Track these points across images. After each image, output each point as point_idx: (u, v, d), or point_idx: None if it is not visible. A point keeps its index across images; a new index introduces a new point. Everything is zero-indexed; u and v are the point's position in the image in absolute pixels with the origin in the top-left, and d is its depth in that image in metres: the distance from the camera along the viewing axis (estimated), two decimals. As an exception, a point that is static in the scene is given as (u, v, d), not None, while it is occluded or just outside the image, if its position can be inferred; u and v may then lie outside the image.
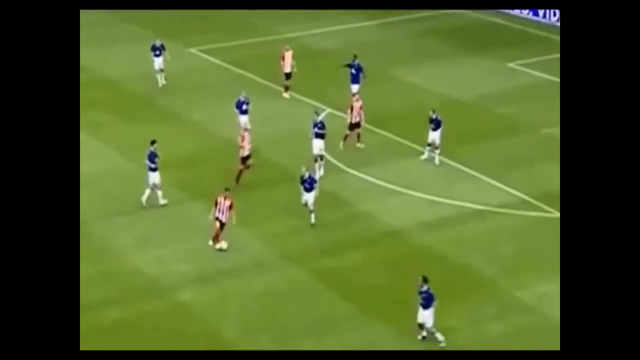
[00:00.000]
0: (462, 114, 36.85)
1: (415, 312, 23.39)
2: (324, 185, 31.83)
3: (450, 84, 40.04)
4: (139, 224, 28.90)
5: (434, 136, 32.62)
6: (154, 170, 30.03)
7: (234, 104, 34.95)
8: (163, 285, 26.05)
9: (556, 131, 33.10)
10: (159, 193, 30.21)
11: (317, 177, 30.63)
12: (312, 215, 29.03)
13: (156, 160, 30.07)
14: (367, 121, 37.07)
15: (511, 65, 43.33)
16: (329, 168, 33.19)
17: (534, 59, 43.61)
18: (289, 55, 39.16)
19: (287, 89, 39.28)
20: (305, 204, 29.19)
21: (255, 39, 47.61)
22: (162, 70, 40.15)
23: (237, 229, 29.07)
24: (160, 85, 40.31)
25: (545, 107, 38.14)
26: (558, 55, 44.27)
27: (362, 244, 28.23)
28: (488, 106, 38.32)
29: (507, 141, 34.77)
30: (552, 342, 23.55)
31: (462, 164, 33.10)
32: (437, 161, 32.72)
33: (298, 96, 39.57)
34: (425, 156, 33.02)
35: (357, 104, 34.15)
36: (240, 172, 31.36)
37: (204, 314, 24.76)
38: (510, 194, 31.18)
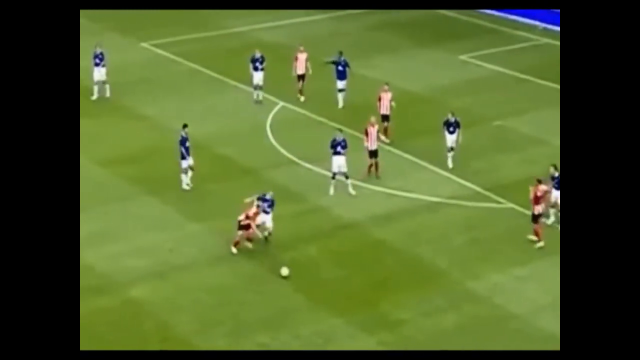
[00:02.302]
0: (415, 106, 37.07)
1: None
2: (278, 179, 31.92)
3: (403, 77, 40.24)
4: (91, 220, 28.73)
5: (452, 139, 32.02)
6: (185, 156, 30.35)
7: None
8: (116, 281, 25.93)
9: (507, 122, 33.54)
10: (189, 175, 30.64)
11: (331, 192, 30.58)
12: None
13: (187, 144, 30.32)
14: (320, 114, 37.24)
15: (463, 57, 43.65)
16: (283, 161, 33.25)
17: (485, 52, 43.97)
18: (302, 57, 37.56)
19: (301, 92, 37.86)
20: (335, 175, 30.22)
21: (207, 32, 47.48)
22: (105, 83, 38.04)
23: (191, 223, 29.06)
24: (96, 97, 38.18)
25: (497, 99, 38.53)
26: (508, 48, 44.81)
27: (316, 237, 28.31)
28: (440, 98, 38.57)
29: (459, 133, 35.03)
30: (504, 332, 23.88)
31: (415, 156, 33.31)
32: (450, 164, 32.08)
33: (250, 89, 39.51)
34: (450, 163, 32.16)
35: (386, 95, 33.82)
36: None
37: (157, 309, 24.69)
38: (462, 185, 31.45)
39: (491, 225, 28.79)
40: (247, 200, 27.23)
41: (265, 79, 37.83)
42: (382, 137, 33.70)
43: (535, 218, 27.85)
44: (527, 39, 45.94)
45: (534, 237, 27.84)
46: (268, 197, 27.65)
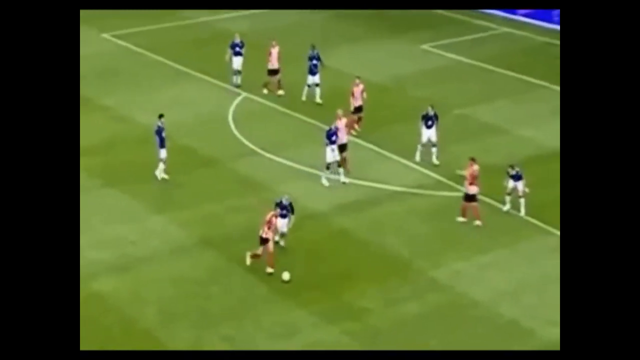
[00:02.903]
0: (378, 96, 36.98)
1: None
2: (240, 169, 31.75)
3: (365, 67, 40.15)
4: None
5: (429, 134, 31.60)
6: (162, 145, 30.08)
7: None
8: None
9: (469, 111, 33.55)
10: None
11: (325, 183, 30.41)
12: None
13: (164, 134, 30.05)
14: (282, 105, 37.12)
15: (424, 47, 43.66)
16: (246, 152, 33.07)
17: (445, 41, 44.01)
18: (275, 51, 36.97)
19: (268, 85, 37.39)
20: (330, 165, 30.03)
21: (169, 23, 47.10)
22: None
23: (154, 215, 28.80)
24: None
25: (458, 88, 38.58)
26: (468, 37, 44.89)
27: (279, 227, 28.17)
28: (402, 88, 38.56)
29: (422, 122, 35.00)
30: (466, 319, 23.92)
31: (378, 146, 33.26)
32: (435, 160, 31.60)
33: (213, 80, 39.26)
34: (418, 157, 31.90)
35: (358, 89, 33.55)
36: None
37: (120, 303, 24.44)
38: (425, 174, 31.45)
39: (454, 214, 28.79)
40: (268, 217, 25.80)
41: (224, 69, 37.61)
42: (356, 127, 33.51)
43: (470, 198, 27.94)
44: (487, 29, 46.04)
45: (462, 219, 28.21)
46: (285, 202, 26.77)
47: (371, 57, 42.24)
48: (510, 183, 28.62)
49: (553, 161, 32.02)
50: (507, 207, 28.74)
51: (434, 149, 31.77)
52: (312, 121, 35.28)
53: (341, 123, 31.20)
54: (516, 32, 45.17)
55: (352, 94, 33.83)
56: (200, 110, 36.69)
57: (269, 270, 25.39)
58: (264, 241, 25.46)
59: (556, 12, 44.41)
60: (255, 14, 47.76)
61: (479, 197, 28.39)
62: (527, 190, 28.47)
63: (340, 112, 31.38)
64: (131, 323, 23.59)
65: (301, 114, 35.97)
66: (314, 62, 36.29)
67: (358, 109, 33.94)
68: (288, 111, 36.29)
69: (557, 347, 22.64)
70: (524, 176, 28.57)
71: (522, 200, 28.60)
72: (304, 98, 36.82)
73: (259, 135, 34.11)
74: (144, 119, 34.55)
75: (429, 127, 31.72)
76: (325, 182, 30.61)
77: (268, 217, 25.65)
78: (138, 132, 33.80)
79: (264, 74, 37.26)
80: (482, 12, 47.43)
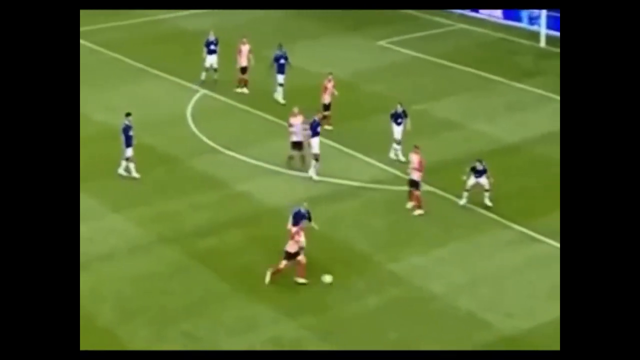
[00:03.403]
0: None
1: None
2: (200, 167, 31.50)
3: (324, 63, 39.98)
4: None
5: (399, 130, 31.47)
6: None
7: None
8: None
9: (425, 107, 33.53)
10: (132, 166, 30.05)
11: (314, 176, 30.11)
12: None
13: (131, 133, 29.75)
14: (242, 102, 36.91)
15: (381, 43, 43.63)
16: (205, 149, 32.83)
17: (402, 37, 44.01)
18: (245, 49, 36.62)
19: (242, 83, 37.01)
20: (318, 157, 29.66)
21: (128, 21, 46.65)
22: None
23: (113, 213, 28.48)
24: None
25: (415, 84, 38.58)
26: (425, 33, 44.91)
27: (239, 223, 27.99)
28: (360, 84, 38.49)
29: (379, 118, 34.95)
30: (424, 313, 23.90)
31: (336, 142, 33.15)
32: (401, 157, 31.30)
33: (171, 77, 38.95)
34: (393, 155, 31.68)
35: (330, 85, 33.46)
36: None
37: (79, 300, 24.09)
38: (382, 169, 31.40)
39: (412, 209, 28.74)
40: (294, 231, 25.13)
41: (183, 67, 37.33)
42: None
43: (414, 184, 28.05)
44: (443, 25, 46.10)
45: (412, 204, 28.33)
46: (303, 210, 26.09)
47: (329, 54, 42.13)
48: (472, 179, 28.50)
49: (508, 155, 32.18)
50: (463, 202, 28.75)
51: (399, 146, 31.69)
52: (272, 118, 35.11)
53: (296, 120, 31.03)
54: (471, 28, 45.29)
55: (325, 90, 33.70)
56: (158, 107, 36.36)
57: (301, 280, 24.88)
58: (291, 256, 24.73)
59: (527, 13, 44.51)
60: (216, 12, 47.43)
61: (431, 189, 28.35)
62: (492, 180, 28.32)
63: (296, 109, 31.24)
64: (90, 320, 23.27)
65: (260, 110, 35.77)
66: (282, 61, 36.05)
67: (328, 107, 33.82)
68: (247, 108, 36.09)
69: (514, 339, 22.83)
70: (488, 170, 28.46)
71: (488, 194, 28.50)
72: (281, 100, 36.27)
73: (217, 133, 33.87)
74: (100, 117, 34.17)
75: (398, 124, 31.64)
76: (315, 176, 30.34)
77: (295, 231, 24.98)
78: (94, 131, 33.38)
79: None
80: (439, 9, 47.46)
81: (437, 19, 46.77)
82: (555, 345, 22.33)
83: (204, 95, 37.39)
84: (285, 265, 24.77)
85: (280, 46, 36.55)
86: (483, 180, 28.50)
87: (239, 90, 37.07)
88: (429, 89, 38.03)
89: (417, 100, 36.47)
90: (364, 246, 26.77)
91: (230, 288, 24.76)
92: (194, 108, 36.32)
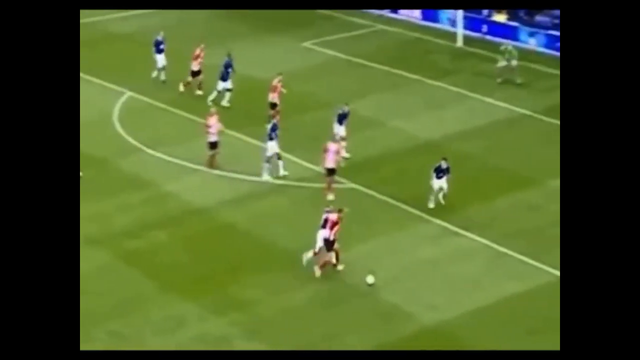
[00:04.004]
0: (261, 92, 36.78)
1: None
2: (126, 168, 31.18)
3: (249, 64, 39.87)
4: None
5: (342, 129, 31.52)
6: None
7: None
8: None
9: (348, 105, 33.50)
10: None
11: (282, 173, 30.08)
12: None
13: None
14: (164, 101, 36.67)
15: (306, 44, 43.64)
16: (131, 149, 32.50)
17: (326, 38, 44.09)
18: (199, 52, 36.81)
19: (192, 85, 37.06)
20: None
21: (52, 24, 45.82)
22: None
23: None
24: None
25: (338, 83, 38.68)
26: (348, 34, 45.07)
27: (165, 223, 27.76)
28: (286, 84, 38.41)
29: (304, 117, 35.06)
30: (351, 306, 23.98)
31: (262, 141, 33.06)
32: (346, 154, 31.06)
33: (97, 80, 38.45)
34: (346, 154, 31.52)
35: (279, 85, 33.65)
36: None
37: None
38: (306, 167, 31.43)
39: (336, 204, 28.81)
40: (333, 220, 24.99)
41: (110, 69, 36.92)
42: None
43: (330, 172, 28.69)
44: (363, 26, 46.27)
45: (329, 192, 28.68)
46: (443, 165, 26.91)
47: (255, 55, 41.98)
48: (435, 181, 28.03)
49: (427, 151, 32.44)
50: (431, 205, 28.34)
51: (343, 143, 31.80)
52: (193, 117, 34.85)
53: (212, 120, 30.87)
54: (391, 29, 45.59)
55: (273, 89, 33.81)
56: (84, 109, 35.66)
57: (340, 267, 25.04)
58: (331, 244, 24.78)
59: (446, 14, 44.91)
60: (145, 14, 46.88)
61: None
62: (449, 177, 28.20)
63: (213, 109, 31.12)
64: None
65: (185, 111, 35.53)
66: (229, 69, 36.03)
67: (275, 105, 33.88)
68: (172, 109, 35.82)
69: (437, 330, 23.05)
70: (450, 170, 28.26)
71: (443, 193, 28.29)
72: (210, 102, 35.94)
73: (144, 133, 33.55)
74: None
75: (341, 124, 31.77)
76: (266, 176, 30.27)
77: (334, 219, 24.88)
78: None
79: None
80: (361, 10, 47.66)
81: (358, 20, 46.90)
82: (477, 335, 22.71)
83: (130, 97, 36.99)
84: (330, 257, 24.73)
85: (229, 54, 36.50)
86: (443, 182, 28.05)
87: (182, 89, 36.79)
88: (351, 88, 38.13)
89: (340, 99, 36.50)
90: (290, 243, 26.75)
91: (157, 287, 24.54)
92: (120, 110, 35.91)
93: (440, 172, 28.25)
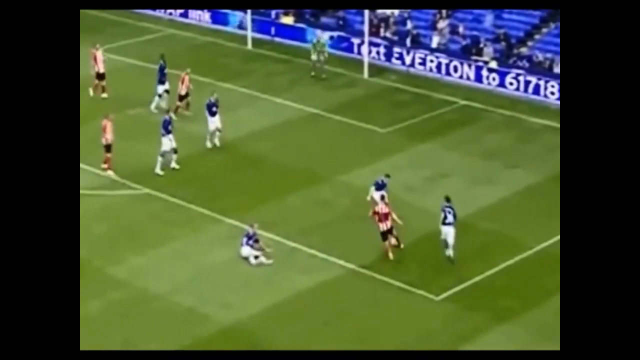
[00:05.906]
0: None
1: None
2: None
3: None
4: None
5: (214, 120, 31.76)
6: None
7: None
8: None
9: (142, 111, 32.77)
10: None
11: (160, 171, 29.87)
12: None
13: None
14: None
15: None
16: None
17: (117, 44, 42.89)
18: (100, 55, 36.56)
19: (103, 89, 36.46)
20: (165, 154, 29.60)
21: None
22: None
23: None
24: None
25: (134, 88, 37.53)
26: (138, 39, 44.01)
27: None
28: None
29: (92, 125, 33.93)
30: (147, 312, 23.51)
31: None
32: (217, 142, 32.28)
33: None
34: (209, 145, 32.17)
35: (186, 77, 34.31)
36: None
37: None
38: (97, 175, 30.42)
39: (130, 211, 28.20)
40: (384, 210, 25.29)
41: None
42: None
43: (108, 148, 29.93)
44: (154, 31, 45.37)
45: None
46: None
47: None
48: (375, 193, 26.93)
49: (221, 152, 32.17)
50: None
51: (218, 133, 32.13)
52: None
53: (108, 123, 30.41)
54: (182, 33, 44.97)
55: (182, 82, 34.25)
56: None
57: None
58: (390, 231, 25.33)
59: (236, 17, 44.67)
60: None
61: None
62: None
63: (111, 116, 30.72)
64: None
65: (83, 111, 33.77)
66: (164, 72, 35.54)
67: (184, 97, 34.45)
68: None
69: (233, 329, 22.85)
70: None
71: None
72: (153, 107, 35.00)
73: None
74: None
75: (213, 114, 32.14)
76: (159, 170, 30.05)
77: (386, 211, 25.24)
78: None
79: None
80: (148, 15, 46.66)
81: (147, 25, 45.86)
82: (273, 330, 22.67)
83: None
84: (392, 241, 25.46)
85: (162, 57, 35.81)
86: (376, 193, 26.81)
87: (91, 93, 36.15)
88: (146, 92, 37.16)
89: (134, 104, 35.74)
90: (83, 252, 25.61)
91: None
92: None
93: (379, 186, 27.09)
